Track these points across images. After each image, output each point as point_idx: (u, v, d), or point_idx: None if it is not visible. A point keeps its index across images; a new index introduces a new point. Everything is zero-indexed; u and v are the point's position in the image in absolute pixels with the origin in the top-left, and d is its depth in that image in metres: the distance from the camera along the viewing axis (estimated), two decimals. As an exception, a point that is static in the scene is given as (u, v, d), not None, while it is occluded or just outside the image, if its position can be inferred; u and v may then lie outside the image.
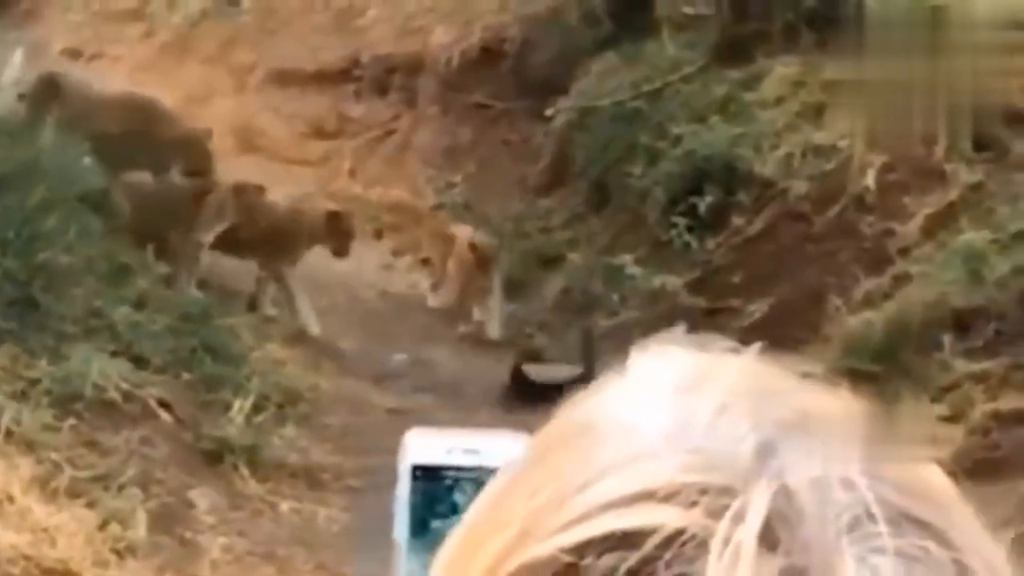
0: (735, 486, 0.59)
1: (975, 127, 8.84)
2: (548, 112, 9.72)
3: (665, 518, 0.58)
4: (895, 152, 9.04)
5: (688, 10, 10.66)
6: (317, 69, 11.49)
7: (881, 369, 7.20)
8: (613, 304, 9.08)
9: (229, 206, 8.79)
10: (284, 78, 11.43)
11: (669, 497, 0.59)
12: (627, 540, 0.58)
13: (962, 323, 7.13)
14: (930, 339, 7.12)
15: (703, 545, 0.58)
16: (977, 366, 6.78)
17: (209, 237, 8.69)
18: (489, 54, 11.37)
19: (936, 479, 0.63)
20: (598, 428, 0.63)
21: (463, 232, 9.31)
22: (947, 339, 7.08)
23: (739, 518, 0.58)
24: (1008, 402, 6.43)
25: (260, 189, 9.06)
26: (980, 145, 8.80)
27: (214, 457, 6.48)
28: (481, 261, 9.09)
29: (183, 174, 9.06)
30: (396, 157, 11.03)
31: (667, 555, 0.58)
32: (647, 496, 0.59)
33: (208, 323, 7.47)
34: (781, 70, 9.89)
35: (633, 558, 0.58)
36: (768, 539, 0.58)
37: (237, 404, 6.79)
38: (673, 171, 9.65)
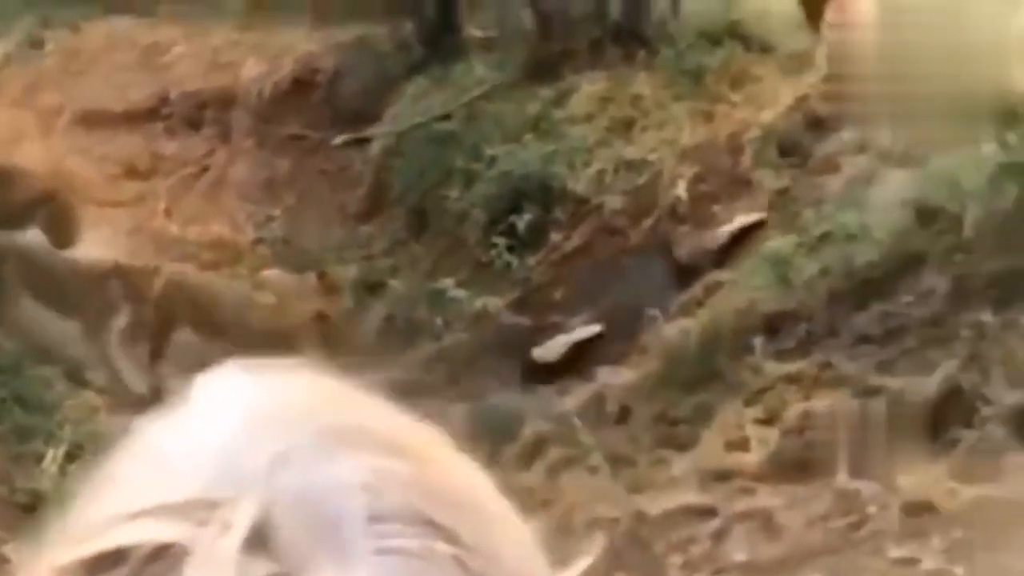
0: (234, 497, 0.61)
1: (779, 134, 9.07)
2: (338, 141, 9.60)
3: (157, 532, 0.60)
4: (704, 163, 9.23)
5: (485, 33, 10.73)
6: (125, 109, 11.34)
7: (698, 376, 7.33)
8: (437, 328, 9.11)
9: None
10: (92, 119, 11.27)
11: (168, 512, 0.61)
12: (119, 555, 0.60)
13: (773, 326, 7.29)
14: (743, 344, 7.26)
15: (186, 555, 0.60)
16: (789, 368, 6.93)
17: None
18: (301, 85, 11.34)
19: (456, 478, 0.65)
20: (138, 449, 0.66)
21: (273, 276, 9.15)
22: (759, 343, 7.22)
23: (226, 527, 0.60)
24: (820, 402, 6.58)
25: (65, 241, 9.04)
26: (784, 151, 9.02)
27: (29, 509, 6.36)
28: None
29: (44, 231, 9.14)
30: (212, 193, 10.94)
31: (152, 568, 0.60)
32: (148, 512, 0.61)
33: (20, 374, 7.33)
34: (589, 87, 10.03)
35: (122, 572, 0.60)
36: (254, 546, 0.60)
37: (50, 454, 6.68)
38: (490, 192, 9.72)
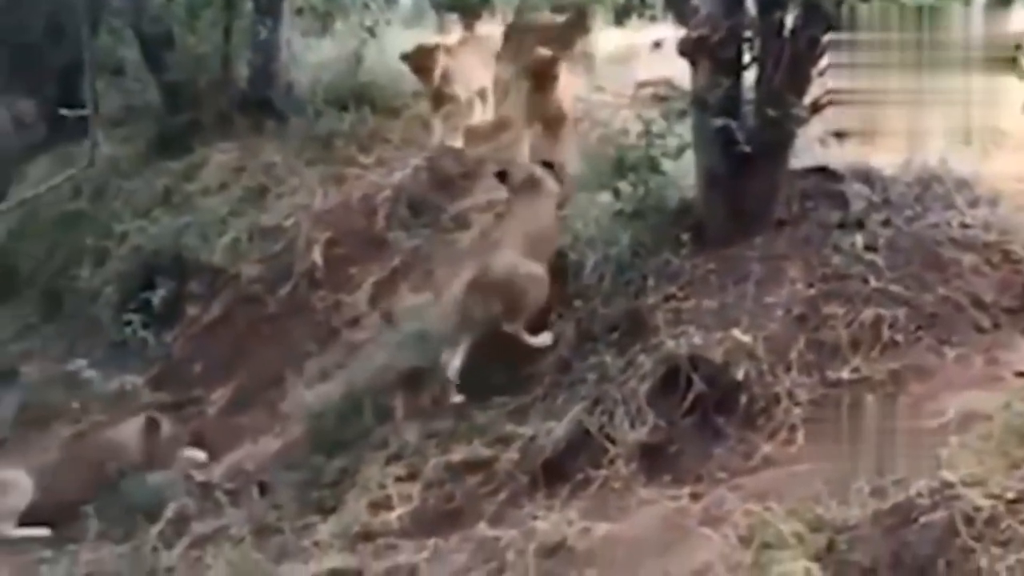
0: None
1: (409, 194, 9.20)
2: None
3: None
4: (339, 226, 9.27)
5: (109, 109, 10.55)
6: None
7: (345, 438, 7.33)
8: (75, 412, 8.83)
9: None
10: None
11: None
12: None
13: (410, 384, 7.36)
14: (383, 403, 7.30)
15: None
16: (427, 424, 7.00)
17: None
18: (-81, 169, 10.88)
19: None
20: None
21: None
22: (399, 401, 7.28)
23: None
24: (457, 454, 6.67)
25: None
26: (416, 211, 9.14)
27: None
28: None
29: None
30: None
31: None
32: None
33: None
34: (220, 157, 9.97)
35: None
36: None
37: None
38: (122, 269, 9.53)
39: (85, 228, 9.90)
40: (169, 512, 7.12)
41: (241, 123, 10.14)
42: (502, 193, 7.68)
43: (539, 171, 7.43)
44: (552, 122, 8.34)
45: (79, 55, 10.67)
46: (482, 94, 9.59)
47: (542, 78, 8.34)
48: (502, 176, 7.51)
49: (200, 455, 7.81)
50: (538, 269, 7.00)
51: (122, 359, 9.08)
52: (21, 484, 7.58)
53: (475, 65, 9.55)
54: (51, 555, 7.02)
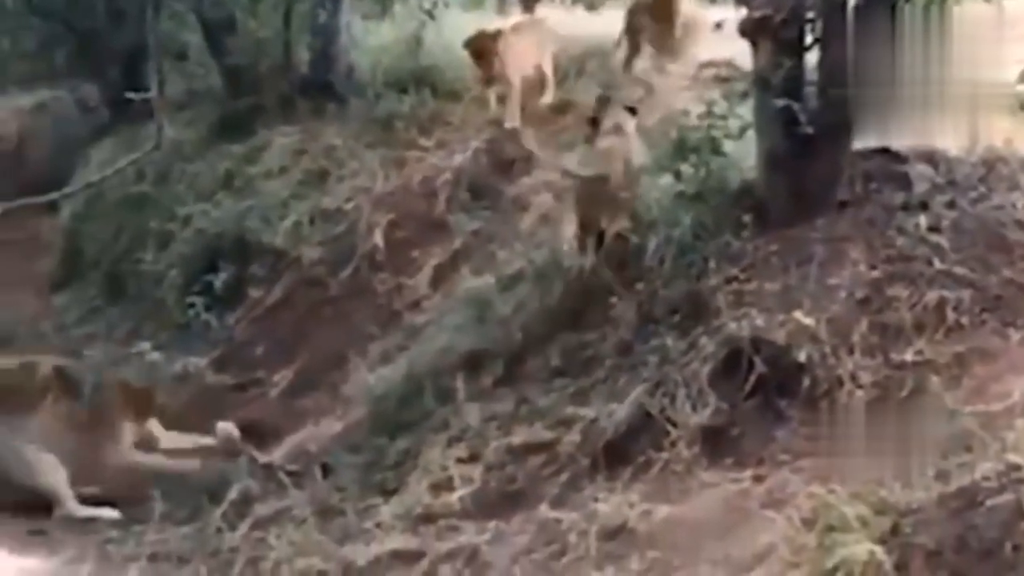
0: None
1: (470, 176, 9.23)
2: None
3: None
4: (399, 209, 9.31)
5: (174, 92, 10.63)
6: None
7: (403, 420, 7.36)
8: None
9: None
10: None
11: None
12: None
13: (472, 365, 7.38)
14: (444, 385, 7.33)
15: None
16: (488, 406, 7.01)
17: None
18: (-14, 153, 11.02)
19: None
20: None
21: None
22: (460, 383, 7.30)
23: None
24: (519, 436, 6.68)
25: None
26: (476, 194, 9.17)
27: None
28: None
29: None
30: None
31: None
32: None
33: None
34: (281, 140, 10.02)
35: None
36: None
37: None
38: (185, 252, 9.61)
39: (149, 211, 9.99)
40: (233, 493, 7.17)
41: (302, 106, 10.19)
42: (559, 174, 7.70)
43: (623, 116, 7.57)
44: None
45: (141, 39, 10.77)
46: (539, 77, 9.59)
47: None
48: (594, 122, 7.63)
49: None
50: None
51: (185, 341, 9.16)
52: None
53: (529, 49, 9.56)
54: (117, 535, 7.09)
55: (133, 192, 10.18)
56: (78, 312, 9.98)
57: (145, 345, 8.94)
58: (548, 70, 9.65)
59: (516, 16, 10.55)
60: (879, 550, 4.59)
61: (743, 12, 6.82)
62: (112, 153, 10.44)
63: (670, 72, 9.56)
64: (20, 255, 10.63)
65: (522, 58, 9.51)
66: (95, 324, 9.80)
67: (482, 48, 9.31)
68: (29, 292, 10.32)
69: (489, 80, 9.39)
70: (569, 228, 7.45)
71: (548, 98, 9.60)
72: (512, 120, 9.41)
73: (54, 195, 9.88)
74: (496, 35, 9.38)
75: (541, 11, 10.58)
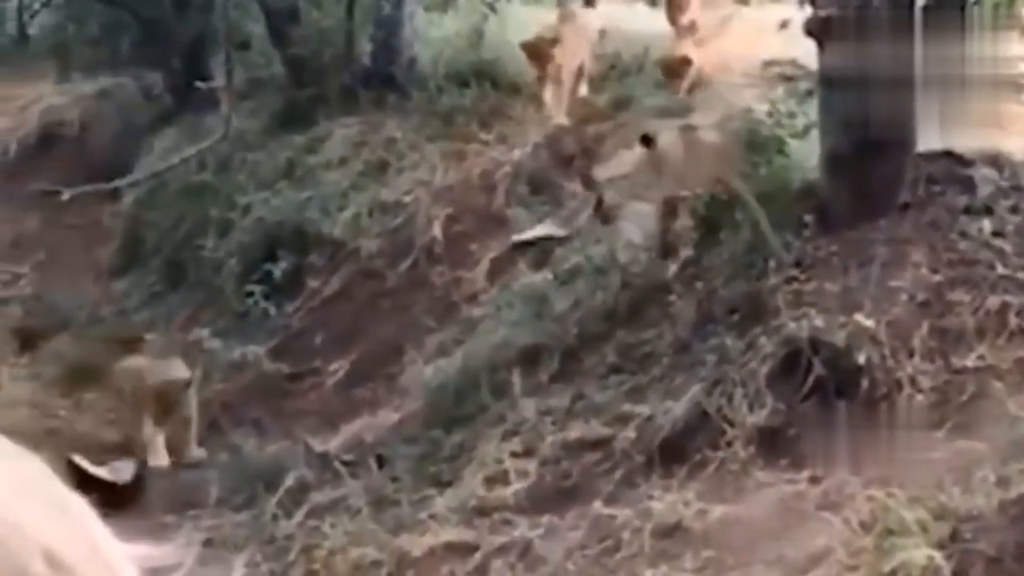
0: None
1: (530, 171, 9.22)
2: (67, 195, 9.24)
3: None
4: (458, 202, 9.31)
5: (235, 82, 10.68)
6: None
7: (458, 414, 7.37)
8: (195, 379, 8.95)
9: None
10: None
11: None
12: None
13: (528, 360, 7.38)
14: (500, 380, 7.33)
15: None
16: (544, 400, 7.02)
17: None
18: (48, 139, 11.10)
19: None
20: None
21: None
22: (516, 377, 7.31)
23: None
24: (574, 431, 6.68)
25: None
26: (535, 188, 9.16)
27: None
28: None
29: None
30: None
31: None
32: None
33: None
34: (342, 131, 10.04)
35: None
36: None
37: None
38: (245, 240, 9.65)
39: (210, 199, 10.03)
40: (288, 481, 7.21)
41: (364, 98, 10.19)
42: (622, 170, 7.67)
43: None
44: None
45: (204, 29, 10.84)
46: (582, 74, 9.61)
47: None
48: (647, 141, 7.43)
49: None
50: None
51: (243, 329, 9.20)
52: None
53: (578, 46, 9.57)
54: (174, 520, 7.14)
55: (195, 180, 10.23)
56: (138, 298, 10.04)
57: (204, 332, 9.00)
58: (587, 65, 9.68)
59: (569, 12, 10.53)
60: (938, 555, 4.57)
61: (808, 11, 6.78)
62: (175, 141, 10.50)
63: (732, 69, 9.52)
64: (82, 241, 10.72)
65: (572, 55, 9.52)
66: (154, 310, 9.86)
67: (541, 51, 9.35)
68: (90, 277, 10.39)
69: (543, 79, 9.41)
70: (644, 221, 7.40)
71: (583, 91, 9.64)
72: (559, 117, 9.42)
73: (120, 181, 9.96)
74: (555, 39, 9.41)
75: (602, 7, 10.55)
